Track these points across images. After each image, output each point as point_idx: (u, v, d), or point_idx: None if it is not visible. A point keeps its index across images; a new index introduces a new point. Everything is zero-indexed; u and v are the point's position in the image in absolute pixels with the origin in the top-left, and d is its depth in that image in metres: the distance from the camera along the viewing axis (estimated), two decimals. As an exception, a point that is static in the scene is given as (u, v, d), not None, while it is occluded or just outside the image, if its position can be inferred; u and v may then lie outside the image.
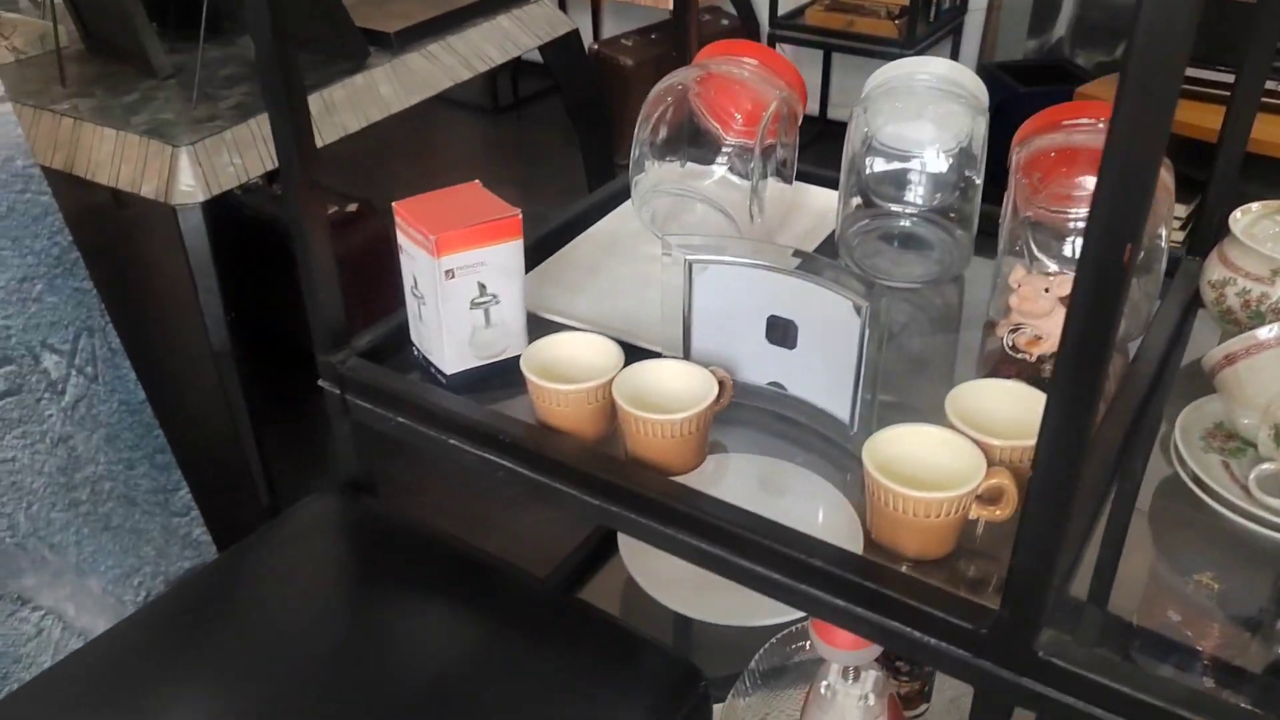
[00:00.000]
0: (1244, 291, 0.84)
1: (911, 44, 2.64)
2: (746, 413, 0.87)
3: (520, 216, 0.84)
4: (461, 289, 0.84)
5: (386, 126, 1.68)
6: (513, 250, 0.85)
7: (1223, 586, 0.77)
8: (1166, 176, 0.86)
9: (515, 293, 0.86)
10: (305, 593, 0.85)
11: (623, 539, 1.07)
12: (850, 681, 0.93)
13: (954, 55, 2.77)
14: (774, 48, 2.99)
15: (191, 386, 1.88)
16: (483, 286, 0.84)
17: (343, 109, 1.63)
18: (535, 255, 1.05)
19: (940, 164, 0.99)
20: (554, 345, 0.84)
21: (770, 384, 0.85)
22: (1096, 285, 0.50)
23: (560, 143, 3.12)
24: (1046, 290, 0.79)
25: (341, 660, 0.78)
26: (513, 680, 0.76)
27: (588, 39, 3.19)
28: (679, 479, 0.78)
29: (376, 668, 0.77)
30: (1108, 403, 0.83)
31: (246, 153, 1.49)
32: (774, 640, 1.17)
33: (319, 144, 1.59)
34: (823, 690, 0.95)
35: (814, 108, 3.10)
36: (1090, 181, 0.88)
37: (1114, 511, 0.80)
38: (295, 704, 0.74)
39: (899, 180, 1.00)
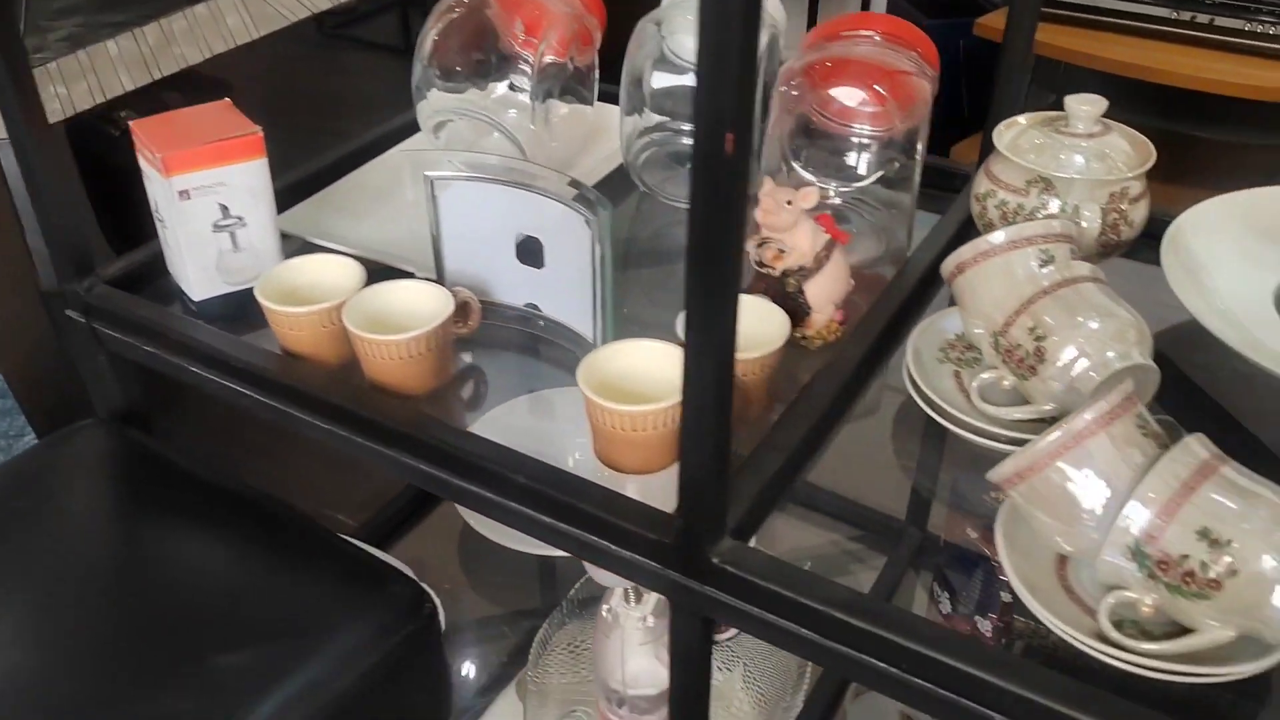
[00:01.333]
0: (1002, 204, 0.83)
1: (813, -26, 2.60)
2: (508, 334, 0.85)
3: (261, 135, 0.82)
4: (200, 211, 0.81)
5: (288, 70, 1.63)
6: (255, 170, 0.82)
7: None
8: (925, 87, 0.85)
9: (263, 215, 0.84)
10: (58, 520, 0.83)
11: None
12: (631, 604, 0.94)
13: (861, -14, 2.73)
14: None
15: (26, 329, 1.83)
16: (225, 208, 0.82)
17: (183, 40, 1.57)
18: (323, 180, 1.02)
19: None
20: (297, 269, 0.82)
21: (527, 305, 0.84)
22: (705, 177, 0.49)
23: (468, 82, 3.06)
24: (789, 203, 0.77)
25: (87, 584, 0.77)
26: (257, 603, 0.75)
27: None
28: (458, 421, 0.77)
29: (124, 591, 0.76)
30: (859, 318, 0.82)
31: (74, 85, 1.44)
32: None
33: (155, 76, 1.55)
34: (604, 614, 0.95)
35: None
36: (856, 95, 0.87)
37: (856, 426, 0.79)
38: (47, 616, 0.73)
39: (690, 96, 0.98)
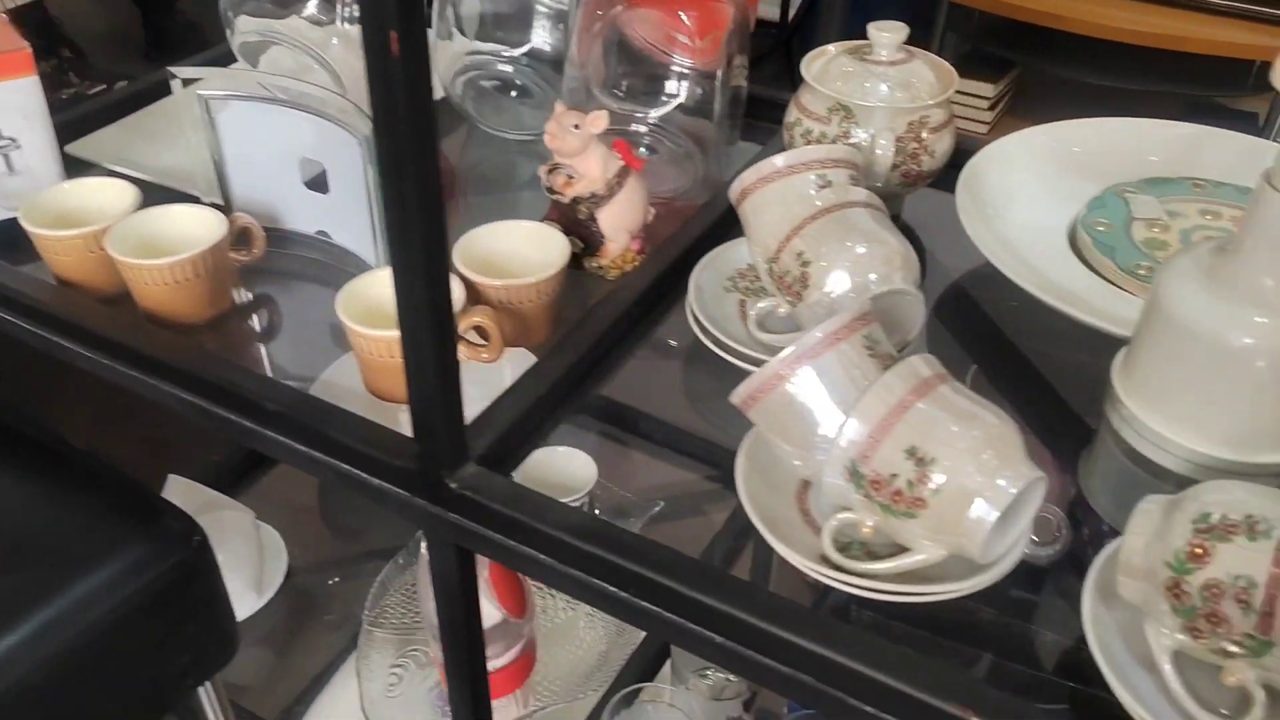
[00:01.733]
0: (807, 132, 0.82)
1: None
2: (300, 263, 0.83)
3: (29, 51, 0.78)
4: (-36, 131, 0.77)
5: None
6: (25, 88, 0.78)
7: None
8: (732, 13, 0.83)
9: (40, 137, 0.80)
10: None
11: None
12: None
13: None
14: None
15: None
16: (-7, 129, 0.78)
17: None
18: (130, 106, 0.99)
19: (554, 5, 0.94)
20: (69, 192, 0.78)
21: (318, 232, 0.81)
22: (377, 81, 0.46)
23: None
24: (577, 127, 0.75)
25: None
26: (15, 532, 0.73)
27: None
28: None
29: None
30: (653, 247, 0.81)
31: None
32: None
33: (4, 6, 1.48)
34: (425, 551, 0.94)
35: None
36: (662, 19, 0.85)
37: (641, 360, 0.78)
38: None
39: (517, 22, 0.95)
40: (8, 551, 0.71)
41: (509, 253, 0.73)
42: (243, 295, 0.80)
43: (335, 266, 0.81)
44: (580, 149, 0.76)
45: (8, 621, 0.66)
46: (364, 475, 0.63)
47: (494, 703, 1.01)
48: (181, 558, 0.72)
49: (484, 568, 0.94)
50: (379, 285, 0.69)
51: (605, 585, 0.57)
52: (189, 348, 0.70)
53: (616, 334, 0.73)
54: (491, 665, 0.99)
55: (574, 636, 1.14)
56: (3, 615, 0.67)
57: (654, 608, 0.55)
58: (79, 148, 0.90)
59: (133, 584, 0.69)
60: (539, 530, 0.58)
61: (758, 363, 0.70)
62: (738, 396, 0.58)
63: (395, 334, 0.65)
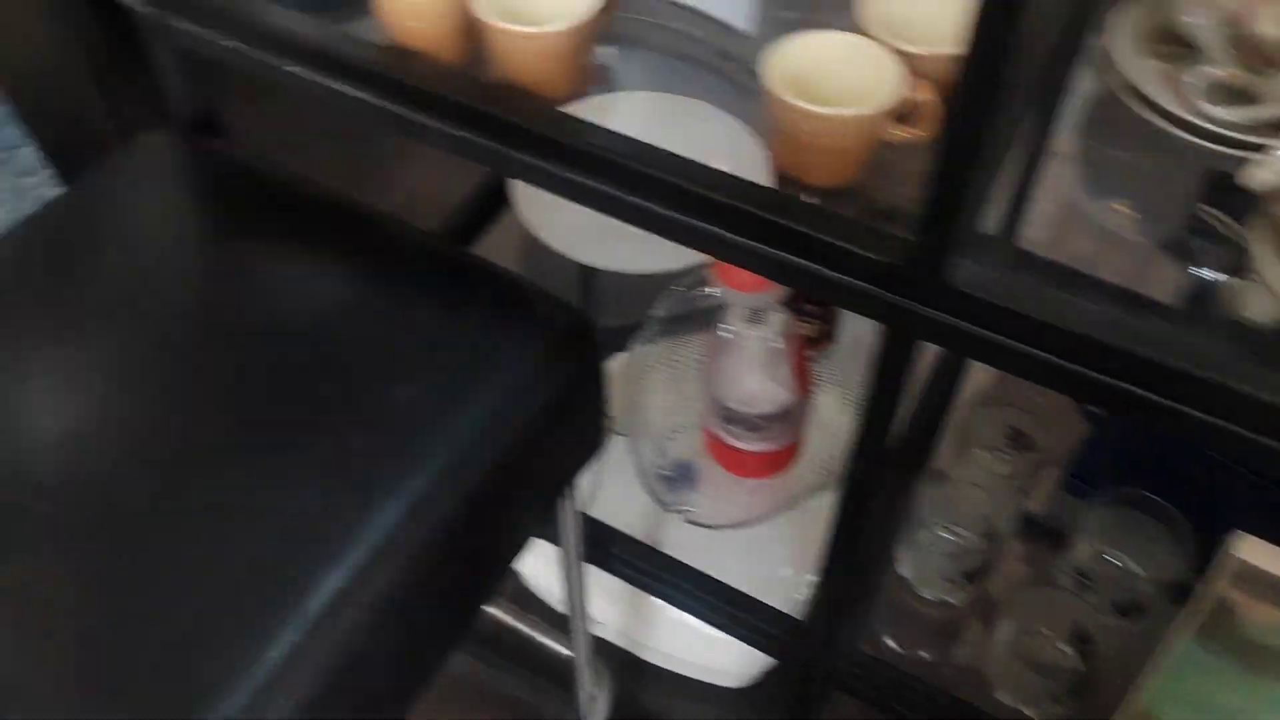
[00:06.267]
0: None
1: None
2: (636, 28, 0.75)
3: None
4: None
5: None
6: None
7: (1143, 213, 0.72)
8: None
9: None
10: (151, 241, 0.73)
11: (515, 185, 0.98)
12: (753, 324, 0.90)
13: None
14: None
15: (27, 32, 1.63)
16: None
17: None
18: None
19: None
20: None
21: (681, -3, 0.73)
22: None
23: None
24: None
25: (201, 313, 0.69)
26: (393, 332, 0.68)
27: None
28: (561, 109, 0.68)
29: (241, 320, 0.69)
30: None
31: None
32: (676, 285, 1.12)
33: None
34: (724, 333, 0.92)
35: None
36: None
37: (1033, 136, 0.72)
38: (151, 356, 0.66)
39: None
40: (417, 356, 0.67)
41: (919, 15, 0.65)
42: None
43: (685, 33, 0.74)
44: None
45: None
46: (828, 272, 0.59)
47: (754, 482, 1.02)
48: (586, 351, 0.68)
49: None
50: (802, 53, 0.62)
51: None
52: (612, 135, 0.63)
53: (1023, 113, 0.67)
54: (767, 447, 0.99)
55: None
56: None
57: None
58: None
59: (538, 391, 0.66)
60: (1056, 328, 0.54)
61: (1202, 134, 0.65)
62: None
63: (846, 112, 0.59)
